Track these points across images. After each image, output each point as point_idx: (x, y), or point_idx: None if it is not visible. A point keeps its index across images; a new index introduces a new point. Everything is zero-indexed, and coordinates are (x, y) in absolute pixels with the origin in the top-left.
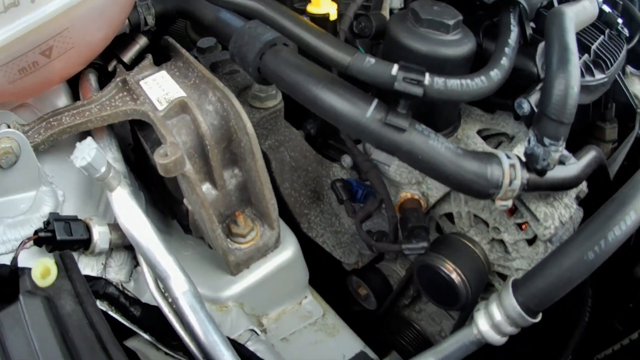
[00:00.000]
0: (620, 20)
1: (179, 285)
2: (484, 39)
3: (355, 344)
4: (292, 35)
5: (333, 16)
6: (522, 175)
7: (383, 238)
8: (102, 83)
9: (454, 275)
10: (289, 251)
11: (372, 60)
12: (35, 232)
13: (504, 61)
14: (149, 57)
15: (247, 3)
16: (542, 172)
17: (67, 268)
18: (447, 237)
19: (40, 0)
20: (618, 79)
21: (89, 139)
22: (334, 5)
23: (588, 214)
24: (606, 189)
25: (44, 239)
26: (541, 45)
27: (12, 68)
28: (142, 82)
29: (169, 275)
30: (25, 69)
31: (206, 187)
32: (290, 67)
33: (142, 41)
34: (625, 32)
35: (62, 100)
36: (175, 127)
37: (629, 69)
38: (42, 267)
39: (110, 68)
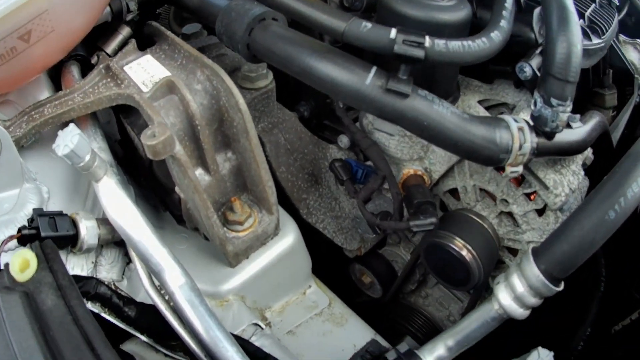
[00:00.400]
0: None
1: (174, 278)
2: (478, 8)
3: (366, 332)
4: (282, 6)
5: None
6: (531, 139)
7: (387, 218)
8: (85, 75)
9: (464, 252)
10: (289, 238)
11: (369, 24)
12: (19, 230)
13: (503, 23)
14: (133, 41)
15: None
16: (551, 135)
17: (47, 259)
18: (453, 214)
19: None
20: (614, 45)
21: (72, 125)
22: None
23: (593, 182)
24: (610, 155)
25: (28, 237)
26: (537, 10)
27: None
28: (126, 68)
29: (163, 268)
30: (2, 55)
31: (199, 172)
32: (282, 39)
33: (125, 31)
34: (615, 1)
35: (44, 94)
36: (162, 109)
37: (622, 37)
38: (20, 260)
39: (93, 61)
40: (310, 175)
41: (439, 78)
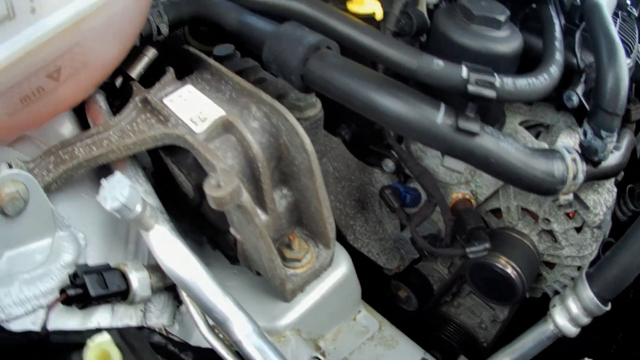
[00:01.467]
0: (628, 1)
1: (241, 327)
2: (523, 32)
3: (416, 353)
4: (346, 38)
5: (379, 15)
6: (582, 168)
7: (436, 242)
8: (112, 104)
9: (509, 270)
10: (343, 268)
11: (441, 63)
12: (62, 290)
13: (558, 56)
14: (171, 70)
15: (287, 3)
16: (597, 163)
17: (133, 349)
18: (497, 232)
19: (43, 10)
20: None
21: (118, 174)
22: (377, 3)
23: (618, 192)
24: (636, 170)
25: (75, 298)
26: (578, 35)
27: (11, 97)
28: (166, 101)
29: (228, 317)
30: (28, 96)
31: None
32: (341, 71)
33: (151, 53)
34: (634, 12)
35: (68, 128)
36: (219, 150)
37: None
38: (98, 353)
39: (117, 84)
40: (357, 202)
41: (492, 107)
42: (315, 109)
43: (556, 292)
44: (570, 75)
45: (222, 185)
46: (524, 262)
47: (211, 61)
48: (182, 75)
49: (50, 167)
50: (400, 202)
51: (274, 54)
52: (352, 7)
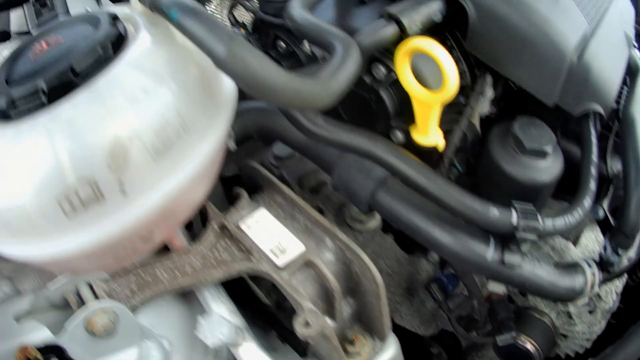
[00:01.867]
0: None
1: None
2: (561, 139)
3: None
4: (412, 183)
5: (441, 147)
6: (599, 279)
7: (470, 325)
8: None
9: (528, 346)
10: (392, 349)
11: (496, 211)
12: None
13: (592, 185)
14: (244, 194)
15: (357, 144)
16: (613, 274)
17: None
18: (521, 312)
19: (135, 191)
20: None
21: (215, 315)
22: (441, 134)
23: None
24: None
25: None
26: (610, 145)
27: (103, 258)
28: (243, 226)
29: None
30: (119, 258)
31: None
32: (407, 207)
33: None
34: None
35: None
36: (301, 285)
37: None
38: None
39: None
40: (405, 289)
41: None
42: (375, 220)
43: (567, 356)
44: (600, 182)
45: (311, 324)
46: (543, 338)
47: (284, 188)
48: (248, 188)
49: (133, 288)
50: (444, 295)
51: (343, 182)
52: (417, 136)
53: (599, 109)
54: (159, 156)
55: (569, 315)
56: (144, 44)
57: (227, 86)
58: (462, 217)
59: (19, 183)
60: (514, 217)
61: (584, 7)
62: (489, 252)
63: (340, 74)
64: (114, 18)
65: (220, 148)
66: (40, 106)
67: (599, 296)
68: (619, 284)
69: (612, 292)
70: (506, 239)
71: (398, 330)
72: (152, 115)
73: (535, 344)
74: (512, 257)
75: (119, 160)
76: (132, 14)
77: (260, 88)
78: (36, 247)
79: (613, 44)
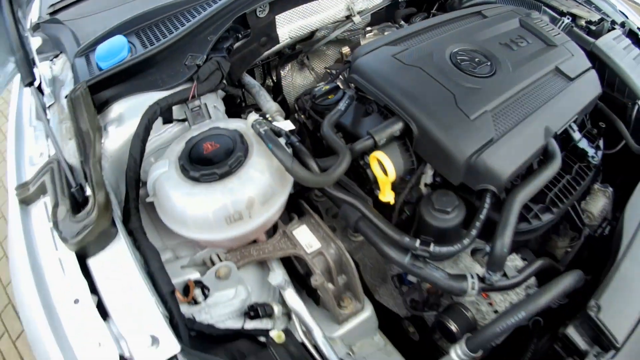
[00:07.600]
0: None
1: (317, 334)
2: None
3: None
4: (374, 224)
5: (392, 202)
6: (478, 287)
7: (417, 305)
8: None
9: (452, 327)
10: (368, 311)
11: (407, 239)
12: (247, 313)
13: (473, 232)
14: (295, 217)
15: (347, 200)
16: (491, 285)
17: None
18: (452, 305)
19: (255, 215)
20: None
21: (277, 271)
22: (392, 195)
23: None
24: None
25: (252, 316)
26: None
27: (235, 243)
28: (295, 233)
29: (313, 329)
30: (241, 243)
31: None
32: (371, 232)
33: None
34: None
35: None
36: (316, 263)
37: (596, 185)
38: (276, 335)
39: None
40: (381, 278)
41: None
42: (362, 237)
43: None
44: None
45: (318, 280)
46: (463, 322)
47: (315, 216)
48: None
49: (238, 257)
50: (401, 284)
51: (344, 215)
52: (380, 196)
53: (492, 188)
54: (263, 203)
55: (482, 313)
56: (258, 155)
57: (289, 176)
58: (392, 240)
59: (211, 211)
60: (417, 243)
61: (498, 121)
62: (406, 259)
63: (336, 171)
64: (241, 136)
65: (286, 200)
66: (214, 179)
67: (493, 309)
68: (514, 297)
69: (505, 301)
70: (415, 254)
71: (382, 309)
72: (263, 187)
73: (457, 326)
74: (417, 262)
75: (249, 205)
76: (247, 131)
77: (301, 180)
78: (211, 235)
79: (518, 143)
